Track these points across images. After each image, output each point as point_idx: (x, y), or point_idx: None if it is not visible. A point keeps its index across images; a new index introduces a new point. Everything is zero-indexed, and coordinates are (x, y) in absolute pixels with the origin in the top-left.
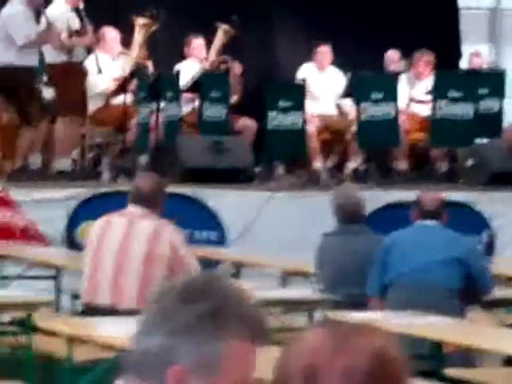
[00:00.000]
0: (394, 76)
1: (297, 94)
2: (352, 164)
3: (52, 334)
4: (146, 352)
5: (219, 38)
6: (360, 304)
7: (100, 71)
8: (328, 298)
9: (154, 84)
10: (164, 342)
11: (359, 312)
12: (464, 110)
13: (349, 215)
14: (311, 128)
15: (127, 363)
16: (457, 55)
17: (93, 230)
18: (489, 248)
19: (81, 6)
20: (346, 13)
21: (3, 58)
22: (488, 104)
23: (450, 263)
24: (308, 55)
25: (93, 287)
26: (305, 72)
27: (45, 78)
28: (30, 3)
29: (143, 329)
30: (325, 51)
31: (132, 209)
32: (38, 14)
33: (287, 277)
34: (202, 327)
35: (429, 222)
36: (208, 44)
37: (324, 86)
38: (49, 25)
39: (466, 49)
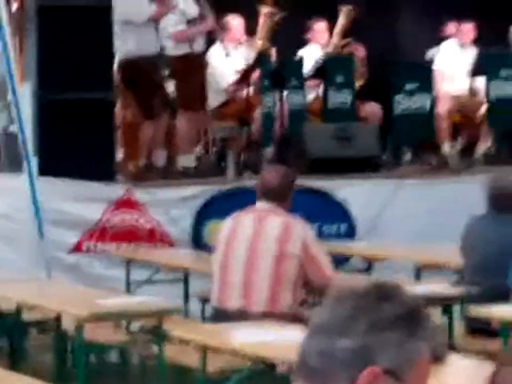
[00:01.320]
0: None
1: (424, 75)
2: (482, 146)
3: (184, 342)
4: (332, 354)
5: (341, 21)
6: (504, 296)
7: (227, 55)
8: (469, 291)
9: (277, 71)
10: (360, 342)
11: (503, 305)
12: None
13: (502, 204)
14: (442, 109)
15: (302, 368)
16: None
17: (221, 229)
18: None
19: None
20: None
21: (123, 48)
22: None
23: None
24: (432, 36)
25: (223, 289)
26: (445, 49)
27: (166, 71)
28: None
29: (324, 331)
30: (468, 28)
31: (260, 205)
32: None
33: (421, 270)
34: (401, 327)
35: None
36: (331, 27)
37: (461, 64)
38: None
39: None
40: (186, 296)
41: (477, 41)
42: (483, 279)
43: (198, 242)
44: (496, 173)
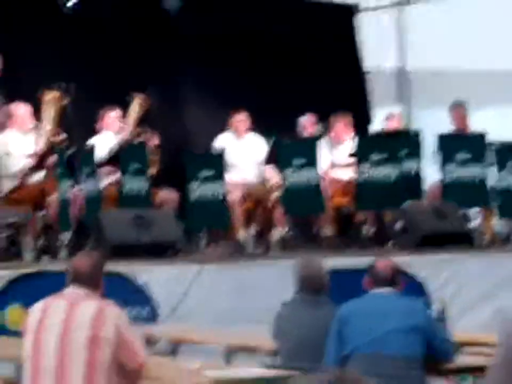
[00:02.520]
0: (314, 141)
1: (217, 164)
2: (277, 232)
3: None
4: None
5: (134, 109)
6: None
7: (7, 154)
8: (285, 374)
9: (71, 159)
10: None
11: None
12: (388, 172)
13: (313, 286)
14: (233, 197)
15: None
16: (367, 120)
17: (30, 316)
18: (441, 314)
19: None
20: (251, 80)
21: None
22: (408, 166)
23: (410, 332)
24: (222, 124)
25: (35, 378)
26: (224, 140)
27: None
28: None
29: None
30: (241, 118)
31: (72, 290)
32: None
33: (231, 353)
34: None
35: (384, 290)
36: (125, 115)
37: (243, 153)
38: None
39: (378, 111)
40: None
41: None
42: (300, 363)
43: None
44: (304, 256)
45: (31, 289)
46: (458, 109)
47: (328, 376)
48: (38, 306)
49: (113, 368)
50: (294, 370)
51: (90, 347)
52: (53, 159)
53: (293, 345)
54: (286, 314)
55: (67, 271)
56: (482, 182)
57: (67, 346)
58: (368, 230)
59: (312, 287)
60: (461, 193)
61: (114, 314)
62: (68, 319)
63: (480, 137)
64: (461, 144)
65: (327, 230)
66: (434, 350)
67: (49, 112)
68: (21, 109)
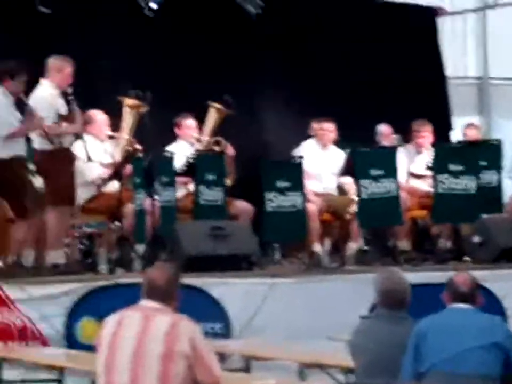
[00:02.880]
0: (393, 151)
1: (295, 173)
2: (352, 245)
3: None
4: None
5: (211, 118)
6: None
7: (89, 159)
8: None
9: (148, 168)
10: None
11: None
12: (466, 184)
13: (395, 301)
14: (312, 208)
15: None
16: (448, 127)
17: (104, 328)
18: None
19: (69, 90)
20: (334, 88)
21: None
22: (488, 177)
23: (488, 349)
24: (300, 133)
25: None
26: (307, 148)
27: (32, 166)
28: (11, 90)
29: None
30: (330, 128)
31: (146, 303)
32: (19, 102)
33: (304, 370)
34: None
35: (462, 306)
36: (200, 124)
37: (325, 164)
38: (31, 112)
39: (456, 120)
40: None
41: (340, 141)
42: (376, 379)
43: (71, 340)
44: (385, 269)
45: (105, 302)
46: None
47: None
48: (112, 319)
49: (187, 383)
50: None
51: (164, 361)
52: (129, 168)
53: (369, 361)
54: (364, 330)
55: (142, 283)
56: None
57: (141, 360)
58: (444, 243)
59: (393, 301)
60: None
61: (189, 329)
62: (142, 333)
63: None
64: None
65: (404, 243)
66: None
67: (128, 120)
68: (99, 117)
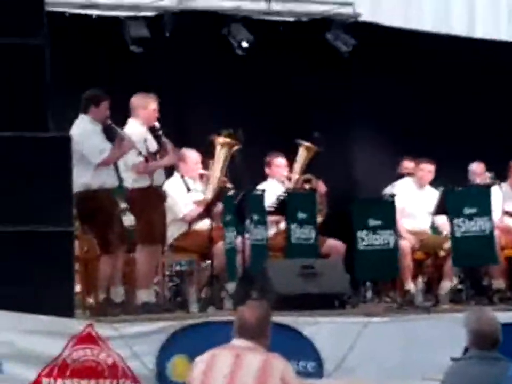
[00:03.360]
0: (487, 189)
1: (387, 212)
2: (447, 284)
3: None
4: None
5: (301, 156)
6: None
7: (189, 190)
8: None
9: (240, 206)
10: None
11: None
12: None
13: (488, 341)
14: (406, 245)
15: None
16: None
17: (196, 366)
18: None
19: (157, 124)
20: (426, 127)
21: (80, 180)
22: None
23: None
24: (390, 171)
25: None
26: (402, 187)
27: (123, 204)
28: (97, 118)
29: None
30: (430, 169)
31: (238, 342)
32: (107, 129)
33: None
34: None
35: None
36: (289, 162)
37: (421, 203)
38: (121, 137)
39: None
40: None
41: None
42: None
43: (163, 378)
44: (475, 308)
45: (196, 340)
46: None
47: None
48: (203, 358)
49: None
50: None
51: None
52: (220, 206)
53: None
54: (456, 372)
55: (233, 322)
56: None
57: None
58: None
59: (484, 341)
60: None
61: (281, 367)
62: (233, 371)
63: None
64: None
65: (499, 283)
66: None
67: (219, 158)
68: (191, 155)
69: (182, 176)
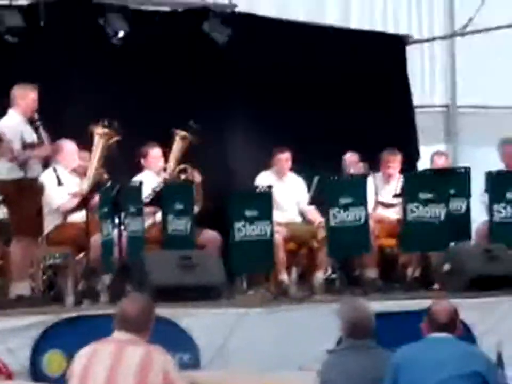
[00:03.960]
0: (363, 179)
1: (263, 203)
2: (320, 274)
3: None
4: None
5: (177, 146)
6: None
7: (60, 183)
8: None
9: (116, 198)
10: None
11: None
12: (436, 212)
13: (362, 330)
14: (278, 237)
15: None
16: (416, 156)
17: (76, 361)
18: (499, 359)
19: (36, 116)
20: (299, 117)
21: None
22: (456, 205)
23: (469, 378)
24: (263, 162)
25: None
26: (265, 179)
27: None
28: None
29: None
30: (285, 157)
31: (119, 335)
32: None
33: None
34: None
35: (441, 335)
36: (165, 152)
37: (286, 193)
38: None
39: (423, 149)
40: None
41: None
42: None
43: (37, 373)
44: (348, 299)
45: (71, 334)
46: (508, 146)
47: None
48: (83, 352)
49: None
50: None
51: None
52: (96, 198)
53: None
54: (332, 364)
55: (114, 315)
56: None
57: None
58: (412, 272)
59: (358, 331)
60: (510, 234)
61: (162, 360)
62: (114, 365)
63: None
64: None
65: (371, 272)
66: None
67: (97, 149)
68: (68, 146)
69: (54, 170)
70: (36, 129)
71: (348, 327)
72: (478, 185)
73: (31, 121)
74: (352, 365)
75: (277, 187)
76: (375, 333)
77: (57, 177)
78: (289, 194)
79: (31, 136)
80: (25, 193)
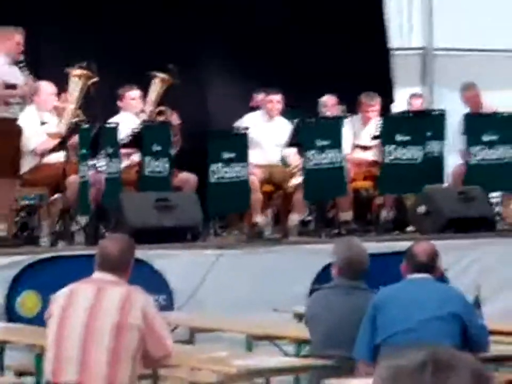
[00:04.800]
0: (339, 121)
1: (240, 144)
2: (295, 216)
3: None
4: None
5: (156, 88)
6: (352, 368)
7: (42, 123)
8: (315, 363)
9: (94, 139)
10: None
11: (349, 378)
12: (413, 154)
13: (357, 270)
14: (254, 179)
15: None
16: (390, 99)
17: (56, 301)
18: (476, 301)
19: (21, 58)
20: (276, 59)
21: None
22: (432, 148)
23: (447, 319)
24: (244, 104)
25: (58, 364)
26: (252, 120)
27: None
28: None
29: None
30: (277, 99)
31: (99, 275)
32: None
33: (252, 342)
34: None
35: (421, 276)
36: (143, 94)
37: (270, 135)
38: None
39: (399, 91)
40: (1, 369)
41: (286, 112)
42: (333, 351)
43: (12, 313)
44: (344, 239)
45: (46, 275)
46: (470, 90)
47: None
48: (63, 293)
49: (138, 355)
50: (325, 359)
51: (116, 333)
52: (75, 139)
53: (327, 332)
54: (321, 300)
55: (94, 255)
56: (509, 165)
57: (92, 333)
58: (387, 214)
59: (353, 271)
60: (485, 176)
61: (142, 300)
62: (94, 305)
63: (510, 117)
64: (488, 124)
65: (346, 215)
66: (470, 338)
67: (75, 90)
68: (45, 87)
69: (38, 109)
70: (21, 71)
71: (343, 266)
72: (452, 128)
73: (16, 63)
74: (341, 303)
75: (263, 128)
76: (366, 274)
77: (39, 116)
78: (274, 137)
79: (14, 78)
80: (4, 134)
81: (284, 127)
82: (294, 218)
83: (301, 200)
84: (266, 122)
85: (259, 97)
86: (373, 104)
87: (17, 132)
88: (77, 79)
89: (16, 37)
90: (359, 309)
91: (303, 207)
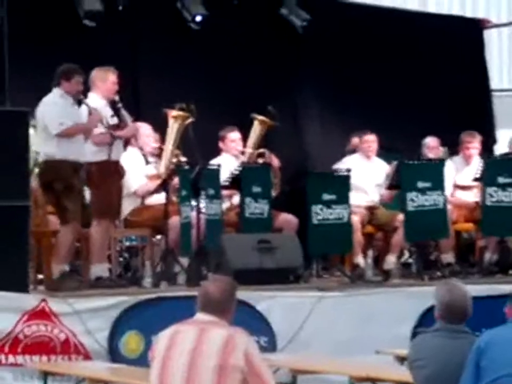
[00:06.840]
0: (441, 163)
1: (342, 186)
2: (391, 258)
3: None
4: None
5: (256, 130)
6: None
7: (147, 162)
8: None
9: (195, 180)
10: None
11: None
12: None
13: (458, 314)
14: (356, 221)
15: None
16: (493, 140)
17: (159, 342)
18: None
19: (116, 97)
20: (380, 103)
21: (44, 150)
22: None
23: None
24: (341, 145)
25: None
26: (351, 162)
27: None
28: (68, 92)
29: None
30: (371, 140)
31: (202, 316)
32: (79, 103)
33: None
34: None
35: None
36: (243, 136)
37: (370, 176)
38: (89, 111)
39: (501, 133)
40: None
41: (380, 154)
42: None
43: (115, 354)
44: (446, 281)
45: (149, 316)
46: None
47: None
48: (166, 333)
49: None
50: None
51: (218, 375)
52: (175, 181)
53: (429, 377)
54: (423, 344)
55: (196, 296)
56: None
57: (195, 373)
58: (490, 256)
59: (454, 315)
60: None
61: (244, 342)
62: (196, 346)
63: None
64: None
65: (448, 256)
66: None
67: (173, 132)
68: (144, 129)
69: (141, 149)
70: (117, 111)
71: (444, 310)
72: None
73: (112, 104)
74: (443, 347)
75: (363, 170)
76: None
77: (144, 157)
78: (373, 178)
79: (112, 119)
80: (108, 176)
81: (382, 168)
82: (390, 260)
83: (401, 241)
84: (365, 164)
85: (355, 140)
86: (474, 141)
87: (120, 173)
88: (174, 120)
89: (110, 78)
90: (463, 353)
91: (402, 248)
